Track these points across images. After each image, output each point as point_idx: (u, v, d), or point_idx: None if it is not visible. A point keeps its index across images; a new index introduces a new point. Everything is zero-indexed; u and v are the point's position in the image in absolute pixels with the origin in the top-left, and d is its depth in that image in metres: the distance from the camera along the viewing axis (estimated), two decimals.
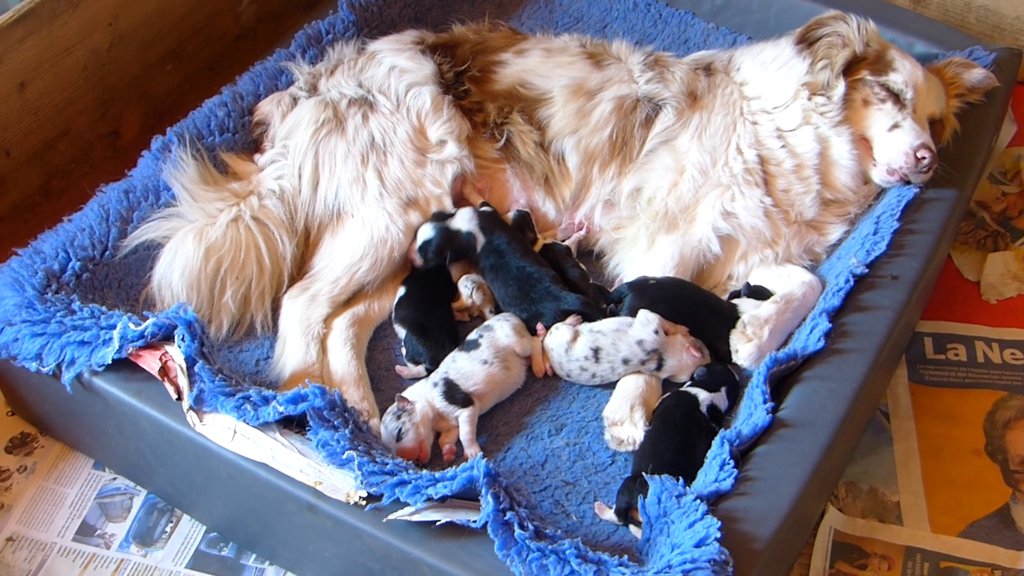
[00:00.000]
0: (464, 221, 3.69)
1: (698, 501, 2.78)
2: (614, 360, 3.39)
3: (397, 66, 3.89)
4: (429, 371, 3.44)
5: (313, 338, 3.53)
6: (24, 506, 3.55)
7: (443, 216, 3.72)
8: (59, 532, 3.49)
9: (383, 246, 3.65)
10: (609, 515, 3.06)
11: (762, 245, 3.68)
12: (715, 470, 2.91)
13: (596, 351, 3.39)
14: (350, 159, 3.72)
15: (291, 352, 3.51)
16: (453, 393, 3.30)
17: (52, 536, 3.48)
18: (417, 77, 3.86)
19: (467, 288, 3.69)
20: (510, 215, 3.84)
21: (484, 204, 3.79)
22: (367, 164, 3.72)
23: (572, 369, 3.44)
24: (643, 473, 2.96)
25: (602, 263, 3.84)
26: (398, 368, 3.53)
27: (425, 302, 3.66)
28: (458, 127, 3.82)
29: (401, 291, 3.69)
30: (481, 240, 3.67)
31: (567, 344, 3.42)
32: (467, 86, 3.90)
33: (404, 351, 3.57)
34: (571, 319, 3.48)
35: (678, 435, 3.17)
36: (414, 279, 3.72)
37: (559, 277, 3.63)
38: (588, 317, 3.51)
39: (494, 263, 3.65)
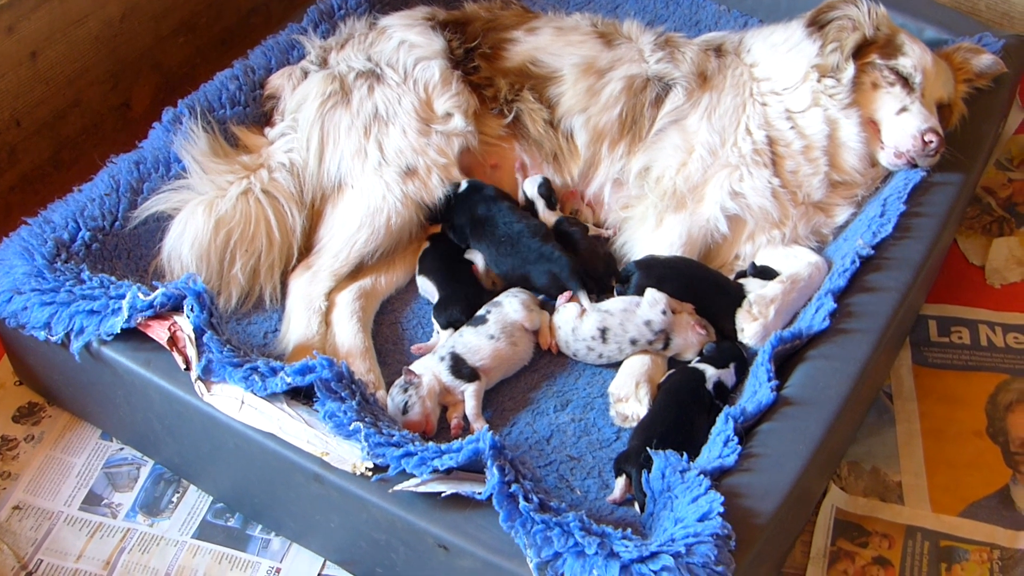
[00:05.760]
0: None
1: (702, 476, 2.79)
2: (621, 340, 3.40)
3: (407, 41, 3.89)
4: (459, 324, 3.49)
5: (314, 312, 3.55)
6: (31, 475, 3.56)
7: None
8: (66, 501, 3.51)
9: (379, 215, 3.66)
10: (619, 486, 3.08)
11: (769, 226, 3.70)
12: (719, 446, 2.93)
13: (603, 331, 3.41)
14: (353, 131, 3.74)
15: (294, 327, 3.54)
16: (460, 368, 3.31)
17: (59, 505, 3.50)
18: (426, 52, 3.87)
19: (479, 261, 3.73)
20: (530, 184, 3.84)
21: (459, 184, 3.79)
22: (369, 135, 3.73)
23: (579, 349, 3.45)
24: (642, 447, 2.99)
25: (610, 241, 3.85)
26: (414, 348, 3.55)
27: (452, 259, 3.73)
28: (465, 102, 3.82)
29: (426, 245, 3.76)
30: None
31: (574, 323, 3.44)
32: (477, 62, 3.91)
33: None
34: (563, 298, 3.53)
35: (674, 411, 3.19)
36: (440, 236, 3.80)
37: (551, 234, 3.66)
38: (583, 284, 3.54)
39: (473, 224, 3.69)
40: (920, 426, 3.67)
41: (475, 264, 3.71)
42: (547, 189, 3.79)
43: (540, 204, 3.79)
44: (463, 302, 3.55)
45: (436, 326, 3.58)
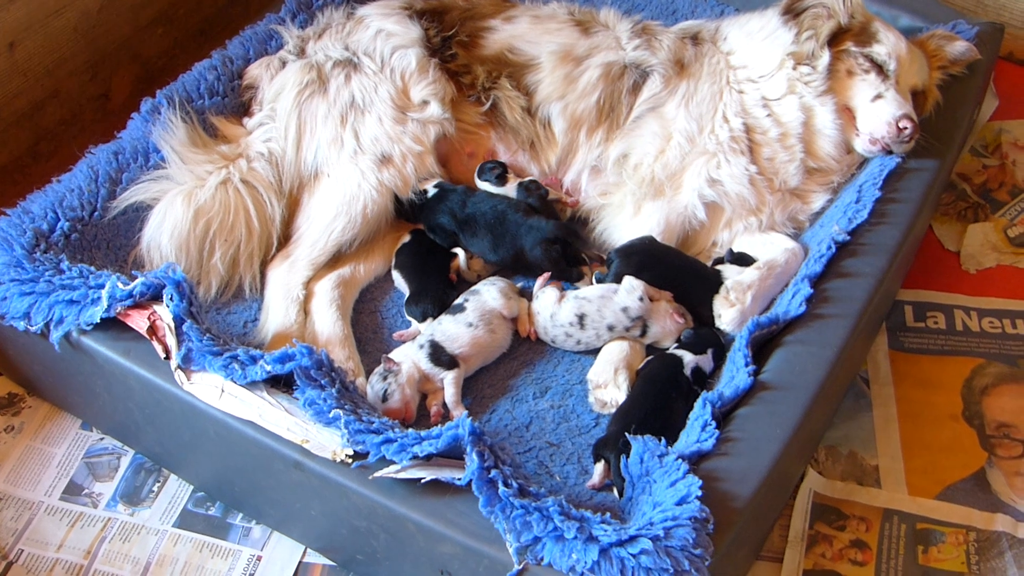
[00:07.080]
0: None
1: (680, 460, 2.80)
2: (599, 327, 3.42)
3: (384, 29, 3.89)
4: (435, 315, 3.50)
5: (292, 301, 3.56)
6: (11, 465, 3.56)
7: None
8: (46, 491, 3.50)
9: (355, 203, 3.66)
10: (598, 471, 3.10)
11: (746, 212, 3.71)
12: (697, 431, 2.94)
13: (581, 317, 3.42)
14: (330, 119, 3.74)
15: (272, 316, 3.54)
16: (438, 355, 3.32)
17: (39, 495, 3.49)
18: (403, 40, 3.87)
19: (461, 256, 3.73)
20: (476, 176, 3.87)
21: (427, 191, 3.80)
22: (346, 124, 3.74)
23: (557, 335, 3.47)
24: (621, 432, 3.00)
25: (588, 229, 3.85)
26: (396, 335, 3.56)
27: (425, 254, 3.73)
28: (442, 89, 3.83)
29: (406, 238, 3.76)
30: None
31: (553, 308, 3.45)
32: (454, 50, 3.91)
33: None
34: (542, 280, 3.55)
35: (653, 397, 3.20)
36: (420, 231, 3.80)
37: (531, 208, 3.68)
38: (568, 246, 3.58)
39: (460, 224, 3.69)
40: (897, 410, 3.69)
41: (457, 259, 3.71)
42: (489, 172, 3.81)
43: (487, 187, 3.81)
44: (432, 298, 3.56)
45: (411, 319, 3.60)
